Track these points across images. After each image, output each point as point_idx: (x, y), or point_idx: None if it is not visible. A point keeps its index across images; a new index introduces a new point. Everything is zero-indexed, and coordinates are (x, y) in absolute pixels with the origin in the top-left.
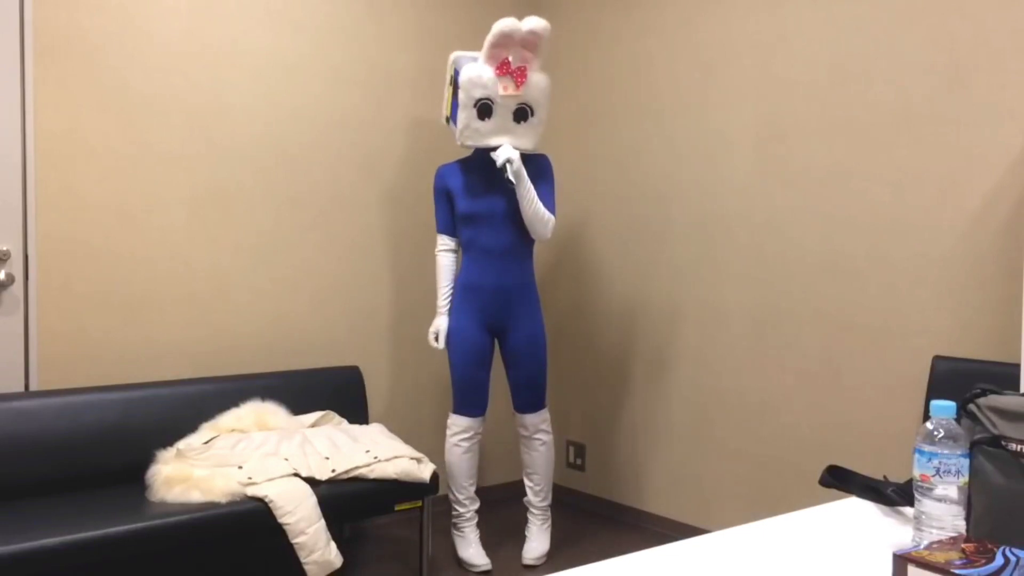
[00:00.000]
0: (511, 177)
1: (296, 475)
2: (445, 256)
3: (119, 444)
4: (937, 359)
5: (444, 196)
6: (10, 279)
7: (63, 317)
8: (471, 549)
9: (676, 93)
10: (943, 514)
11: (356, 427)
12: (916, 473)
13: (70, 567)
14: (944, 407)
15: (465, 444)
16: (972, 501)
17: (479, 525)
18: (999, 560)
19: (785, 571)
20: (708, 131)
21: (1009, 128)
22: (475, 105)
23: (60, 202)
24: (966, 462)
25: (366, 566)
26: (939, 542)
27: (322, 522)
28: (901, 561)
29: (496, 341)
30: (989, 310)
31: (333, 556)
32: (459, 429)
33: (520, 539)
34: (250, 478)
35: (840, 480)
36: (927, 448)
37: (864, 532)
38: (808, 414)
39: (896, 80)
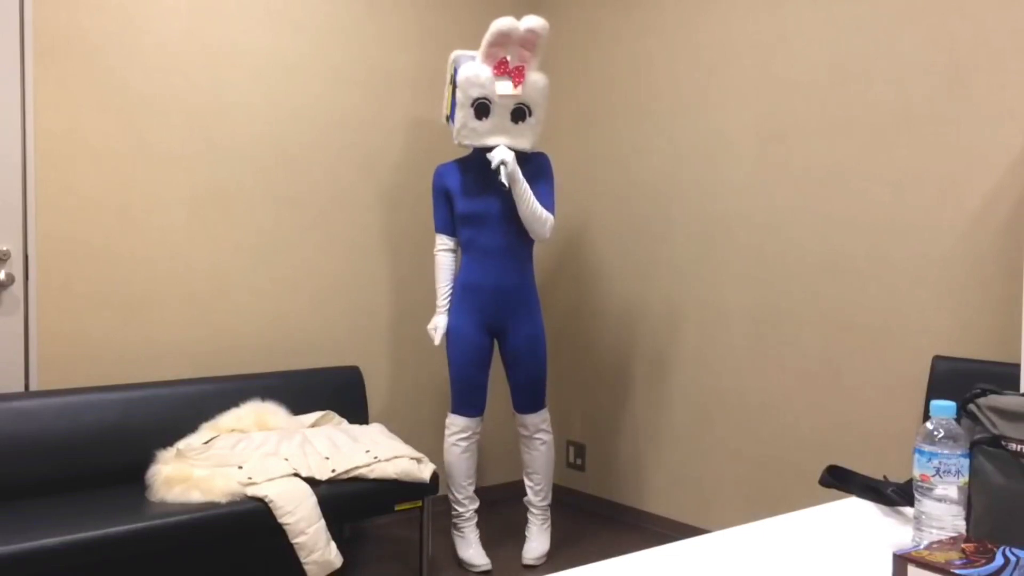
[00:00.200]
0: (504, 180)
1: (296, 475)
2: (444, 255)
3: (119, 444)
4: (937, 359)
5: (443, 196)
6: (10, 279)
7: (63, 317)
8: (471, 549)
9: (676, 93)
10: (943, 514)
11: (356, 427)
12: (916, 473)
13: (70, 567)
14: (944, 407)
15: (463, 444)
16: (972, 501)
17: (479, 525)
18: (999, 560)
19: (785, 571)
20: (708, 131)
21: (1009, 128)
22: (472, 104)
23: (60, 202)
24: (966, 462)
25: (366, 566)
26: (939, 542)
27: (322, 522)
28: (901, 561)
29: (496, 341)
30: (989, 310)
31: (333, 556)
32: (457, 429)
33: (520, 539)
34: (250, 478)
35: (840, 480)
36: (927, 448)
37: (864, 532)
38: (808, 414)
39: (896, 80)
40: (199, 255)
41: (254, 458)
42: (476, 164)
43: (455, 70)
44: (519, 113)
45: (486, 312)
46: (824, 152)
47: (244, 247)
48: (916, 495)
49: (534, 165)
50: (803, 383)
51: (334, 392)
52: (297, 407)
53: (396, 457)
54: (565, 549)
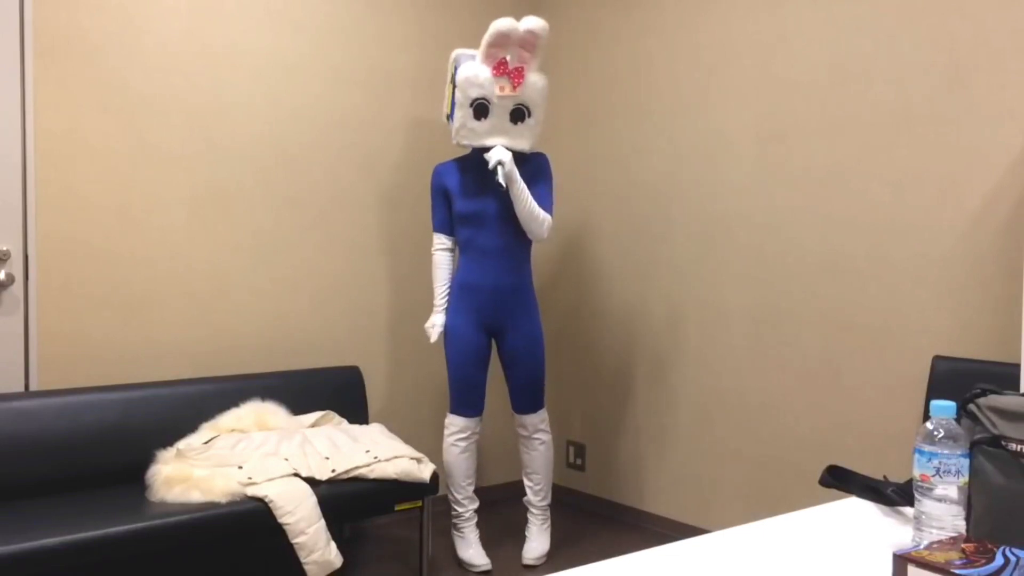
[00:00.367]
0: (501, 180)
1: (296, 475)
2: (442, 255)
3: (119, 444)
4: (937, 359)
5: (441, 195)
6: (10, 279)
7: (63, 317)
8: (471, 549)
9: (676, 93)
10: (943, 514)
11: (356, 427)
12: (916, 473)
13: (70, 567)
14: (944, 407)
15: (462, 444)
16: (972, 501)
17: (479, 525)
18: (999, 560)
19: (785, 571)
20: (708, 131)
21: (1009, 128)
22: (471, 104)
23: (60, 202)
24: (966, 462)
25: (366, 566)
26: (939, 542)
27: (322, 522)
28: (901, 561)
29: (494, 342)
30: (989, 310)
31: (333, 556)
32: (456, 429)
33: (520, 539)
34: (250, 478)
35: (840, 480)
36: (927, 448)
37: (864, 532)
38: (808, 414)
39: (896, 80)
40: (199, 255)
41: (254, 458)
42: (475, 164)
43: (455, 69)
44: (518, 114)
45: (484, 312)
46: (824, 152)
47: (244, 247)
48: (916, 495)
49: (533, 165)
50: (803, 383)
51: (334, 392)
52: (297, 407)
53: (396, 457)
54: (565, 549)
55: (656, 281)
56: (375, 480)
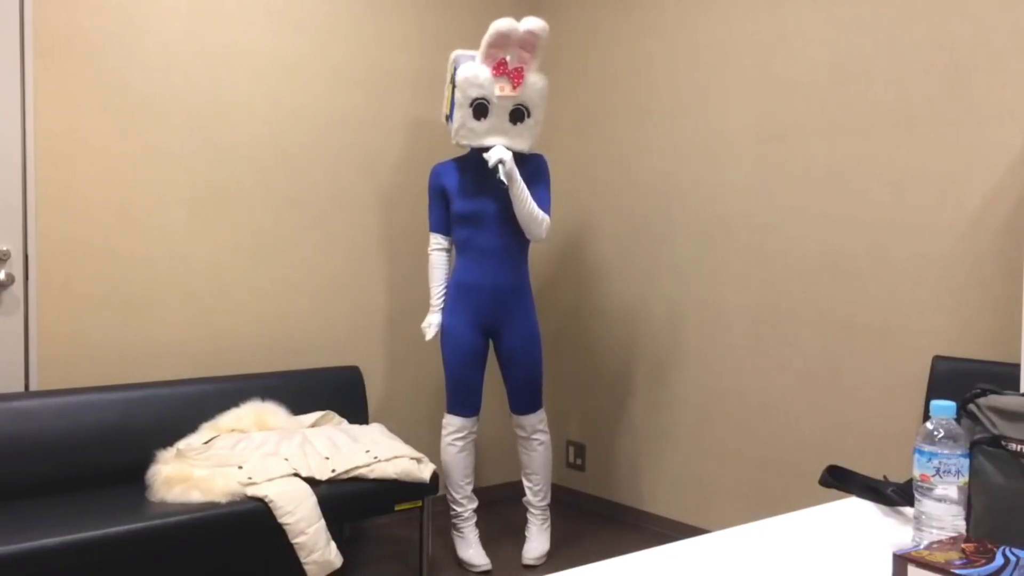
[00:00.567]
0: (503, 178)
1: (296, 475)
2: (438, 255)
3: (119, 444)
4: (937, 359)
5: (439, 195)
6: (10, 279)
7: (63, 317)
8: (471, 549)
9: (676, 93)
10: (943, 514)
11: (356, 427)
12: (916, 473)
13: (70, 567)
14: (944, 407)
15: (459, 444)
16: (972, 501)
17: (479, 525)
18: (999, 560)
19: (785, 571)
20: (708, 131)
21: (1009, 128)
22: (471, 105)
23: (60, 202)
24: (966, 462)
25: (366, 566)
26: (939, 542)
27: (322, 522)
28: (901, 561)
29: (491, 342)
30: (989, 310)
31: (333, 556)
32: (454, 429)
33: (520, 539)
34: (250, 478)
35: (840, 480)
36: (927, 448)
37: (864, 532)
38: (808, 414)
39: (896, 80)
40: (199, 255)
41: (254, 458)
42: (473, 164)
43: (455, 69)
44: (517, 114)
45: (483, 312)
46: (824, 152)
47: (244, 247)
48: (916, 495)
49: (531, 166)
50: (803, 383)
51: (334, 392)
52: (297, 407)
53: (396, 457)
54: (565, 549)
55: (656, 281)
56: (375, 480)
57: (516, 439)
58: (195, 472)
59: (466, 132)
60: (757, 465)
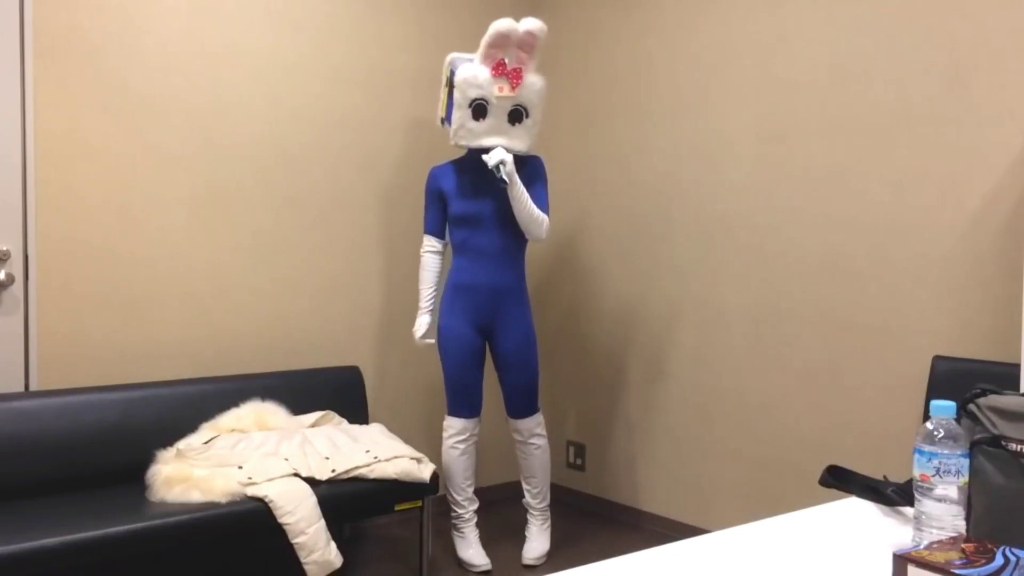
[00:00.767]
0: (504, 177)
1: (296, 475)
2: (431, 257)
3: (119, 444)
4: (937, 359)
5: (436, 197)
6: (10, 279)
7: (63, 317)
8: (471, 549)
9: (676, 93)
10: (943, 514)
11: (356, 427)
12: (916, 473)
13: (70, 567)
14: (944, 407)
15: (461, 446)
16: (972, 501)
17: (479, 525)
18: (999, 560)
19: (785, 571)
20: (708, 131)
21: (1009, 128)
22: (470, 105)
23: (60, 202)
24: (966, 462)
25: (366, 566)
26: (939, 542)
27: (322, 522)
28: (901, 561)
29: (487, 344)
30: (989, 310)
31: (333, 556)
32: (455, 431)
33: (520, 539)
34: (250, 478)
35: (840, 480)
36: (927, 448)
37: (864, 532)
38: (808, 414)
39: (896, 80)
40: (199, 255)
41: (254, 458)
42: (472, 165)
43: (451, 72)
44: (516, 114)
45: (481, 313)
46: (824, 152)
47: (244, 247)
48: (916, 495)
49: (529, 168)
50: (803, 383)
51: (334, 392)
52: (297, 407)
53: (396, 457)
54: (565, 549)
55: (656, 281)
56: (375, 480)
57: (513, 443)
58: (195, 472)
59: (465, 133)
60: (757, 465)
